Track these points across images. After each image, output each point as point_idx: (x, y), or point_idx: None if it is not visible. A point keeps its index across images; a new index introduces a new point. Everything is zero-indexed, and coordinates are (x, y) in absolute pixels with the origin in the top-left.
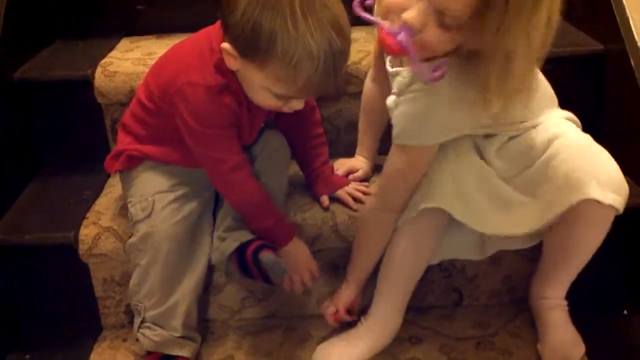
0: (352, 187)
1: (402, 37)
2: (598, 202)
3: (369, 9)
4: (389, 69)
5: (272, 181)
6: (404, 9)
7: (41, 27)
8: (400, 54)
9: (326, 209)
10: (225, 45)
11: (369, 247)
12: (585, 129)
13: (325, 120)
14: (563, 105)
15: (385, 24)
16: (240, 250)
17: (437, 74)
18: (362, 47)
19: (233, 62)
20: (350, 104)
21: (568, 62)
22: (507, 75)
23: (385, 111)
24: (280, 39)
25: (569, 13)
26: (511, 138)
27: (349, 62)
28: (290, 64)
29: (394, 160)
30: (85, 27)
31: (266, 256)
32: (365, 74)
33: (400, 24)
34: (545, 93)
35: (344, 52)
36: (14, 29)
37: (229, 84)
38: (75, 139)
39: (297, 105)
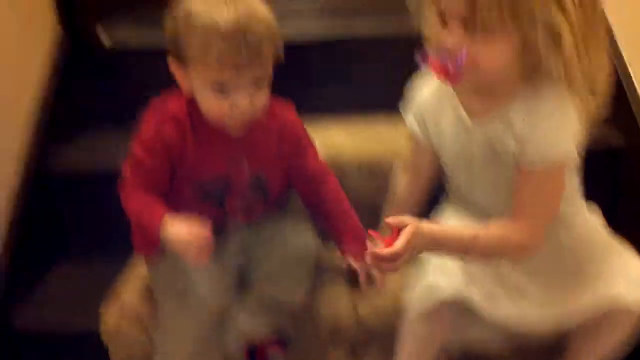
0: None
1: (443, 60)
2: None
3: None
4: (467, 121)
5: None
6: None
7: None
8: (446, 75)
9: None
10: (170, 59)
11: None
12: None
13: None
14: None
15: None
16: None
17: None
18: (384, 139)
19: (180, 76)
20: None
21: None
22: (569, 55)
23: (416, 205)
24: (187, 19)
25: None
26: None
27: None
28: (196, 37)
29: (544, 188)
30: None
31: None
32: (389, 167)
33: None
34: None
35: (248, 17)
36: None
37: (179, 117)
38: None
39: (240, 100)
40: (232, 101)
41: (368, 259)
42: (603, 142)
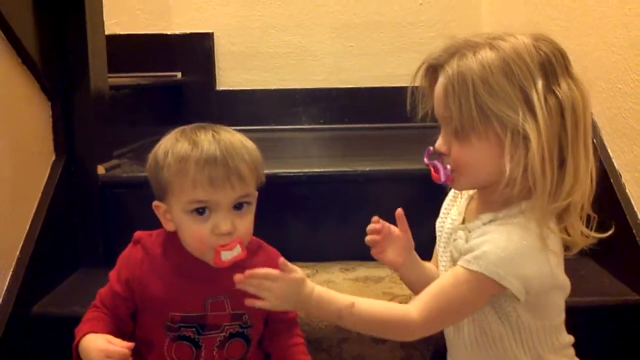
0: None
1: (435, 164)
2: None
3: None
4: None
5: None
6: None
7: (64, 258)
8: (437, 178)
9: None
10: (154, 203)
11: None
12: None
13: None
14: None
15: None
16: None
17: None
18: (387, 288)
19: (162, 214)
20: (374, 349)
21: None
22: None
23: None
24: (165, 153)
25: (606, 261)
26: None
27: None
28: (174, 161)
29: (455, 288)
30: (110, 255)
31: None
32: None
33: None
34: None
35: (226, 140)
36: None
37: (153, 248)
38: None
39: (220, 221)
40: (213, 223)
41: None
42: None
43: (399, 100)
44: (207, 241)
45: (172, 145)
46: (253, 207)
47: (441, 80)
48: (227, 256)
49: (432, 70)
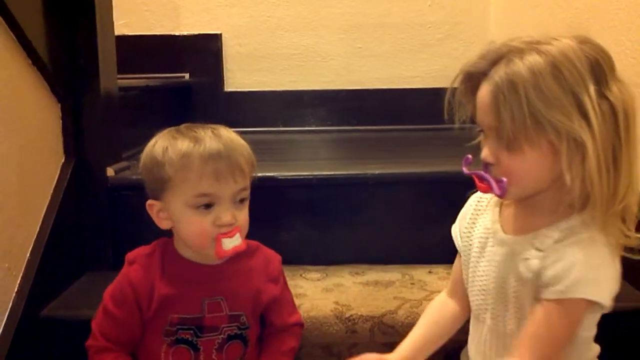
0: None
1: (482, 175)
2: None
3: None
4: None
5: None
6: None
7: (73, 261)
8: (485, 189)
9: None
10: (148, 202)
11: None
12: None
13: None
14: None
15: (470, 172)
16: None
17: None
18: (397, 293)
19: (157, 212)
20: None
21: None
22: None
23: (450, 328)
24: (163, 150)
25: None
26: None
27: (383, 311)
28: (182, 159)
29: (554, 322)
30: (118, 258)
31: None
32: (402, 324)
33: (482, 164)
34: None
35: (226, 137)
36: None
37: (147, 258)
38: None
39: (222, 212)
40: (215, 215)
41: None
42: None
43: (407, 102)
44: (209, 233)
45: (171, 142)
46: (248, 201)
47: (487, 89)
48: (229, 244)
49: (471, 78)
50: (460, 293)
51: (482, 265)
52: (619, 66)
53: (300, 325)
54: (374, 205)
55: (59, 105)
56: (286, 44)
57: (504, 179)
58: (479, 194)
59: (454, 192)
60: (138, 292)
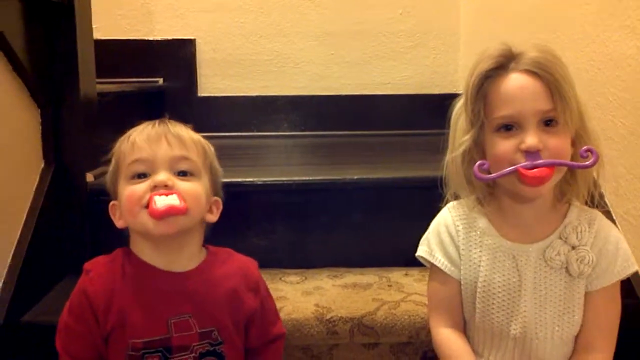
0: None
1: (539, 161)
2: None
3: (488, 172)
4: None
5: None
6: (513, 150)
7: (53, 266)
8: (549, 176)
9: None
10: (110, 204)
11: None
12: None
13: None
14: None
15: (518, 166)
16: None
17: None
18: (376, 295)
19: (116, 214)
20: (364, 355)
21: None
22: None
23: None
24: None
25: None
26: None
27: (363, 312)
28: (122, 140)
29: (617, 302)
30: None
31: None
32: (381, 325)
33: (528, 154)
34: None
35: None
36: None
37: (106, 271)
38: None
39: (159, 178)
40: (151, 180)
41: None
42: None
43: (379, 108)
44: (139, 196)
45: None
46: (202, 183)
47: (522, 77)
48: (162, 202)
49: (487, 77)
50: (458, 318)
51: (501, 279)
52: (587, 76)
53: (282, 336)
54: (351, 209)
55: (39, 110)
56: (260, 49)
57: (591, 147)
58: (446, 218)
59: (429, 197)
60: (94, 303)
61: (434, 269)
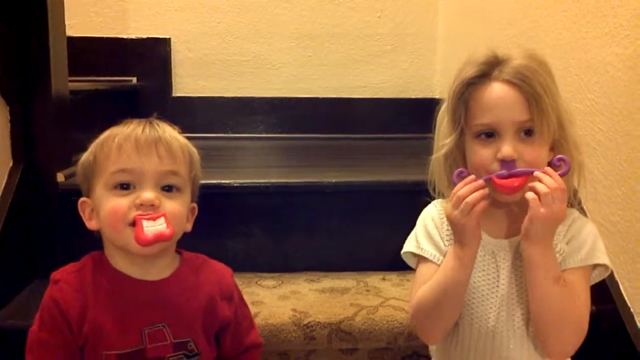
0: None
1: (514, 170)
2: None
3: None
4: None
5: None
6: (490, 159)
7: (22, 268)
8: (522, 185)
9: None
10: (80, 200)
11: None
12: None
13: None
14: None
15: (492, 175)
16: None
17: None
18: (354, 299)
19: (88, 211)
20: None
21: None
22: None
23: None
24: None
25: None
26: None
27: (340, 317)
28: (104, 140)
29: (586, 287)
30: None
31: None
32: (359, 330)
33: (503, 163)
34: None
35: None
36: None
37: (76, 279)
38: None
39: (143, 194)
40: (136, 194)
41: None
42: None
43: (355, 111)
44: (123, 212)
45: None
46: (185, 197)
47: (504, 87)
48: (150, 227)
49: (469, 84)
50: None
51: (481, 274)
52: (565, 82)
53: (257, 346)
54: (329, 213)
55: (7, 108)
56: (236, 50)
57: (564, 157)
58: (432, 211)
59: (407, 201)
60: (67, 312)
61: (421, 263)
